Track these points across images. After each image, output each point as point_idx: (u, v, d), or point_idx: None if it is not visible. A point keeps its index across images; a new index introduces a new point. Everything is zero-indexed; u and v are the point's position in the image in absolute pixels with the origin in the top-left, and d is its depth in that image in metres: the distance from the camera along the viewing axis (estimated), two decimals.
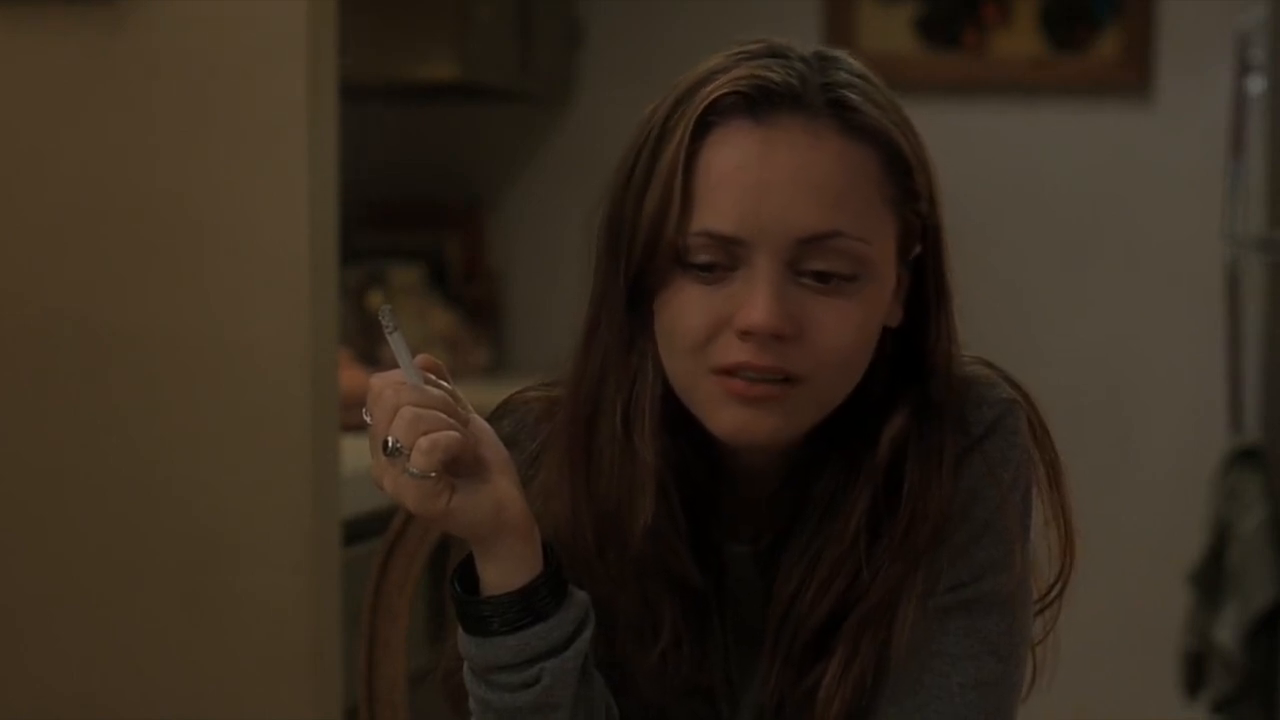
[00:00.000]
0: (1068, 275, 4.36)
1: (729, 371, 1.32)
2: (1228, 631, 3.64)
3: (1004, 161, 4.35)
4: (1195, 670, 3.84)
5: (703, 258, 1.32)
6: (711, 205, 1.32)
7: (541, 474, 1.40)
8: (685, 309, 1.33)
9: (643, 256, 1.34)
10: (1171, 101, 4.31)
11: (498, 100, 4.40)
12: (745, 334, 1.31)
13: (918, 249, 1.38)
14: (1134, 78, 4.31)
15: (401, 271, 4.12)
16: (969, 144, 4.31)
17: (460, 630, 1.33)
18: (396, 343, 1.29)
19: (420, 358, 1.30)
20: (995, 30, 4.34)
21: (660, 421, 1.37)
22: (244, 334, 2.35)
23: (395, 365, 1.30)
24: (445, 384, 1.31)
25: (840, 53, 1.38)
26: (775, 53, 1.36)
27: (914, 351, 1.39)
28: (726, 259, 1.32)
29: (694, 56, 1.41)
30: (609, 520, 1.38)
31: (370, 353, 3.64)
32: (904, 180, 1.35)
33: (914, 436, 1.37)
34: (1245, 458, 3.74)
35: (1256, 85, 3.79)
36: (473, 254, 4.43)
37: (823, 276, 1.32)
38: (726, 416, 1.34)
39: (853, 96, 1.34)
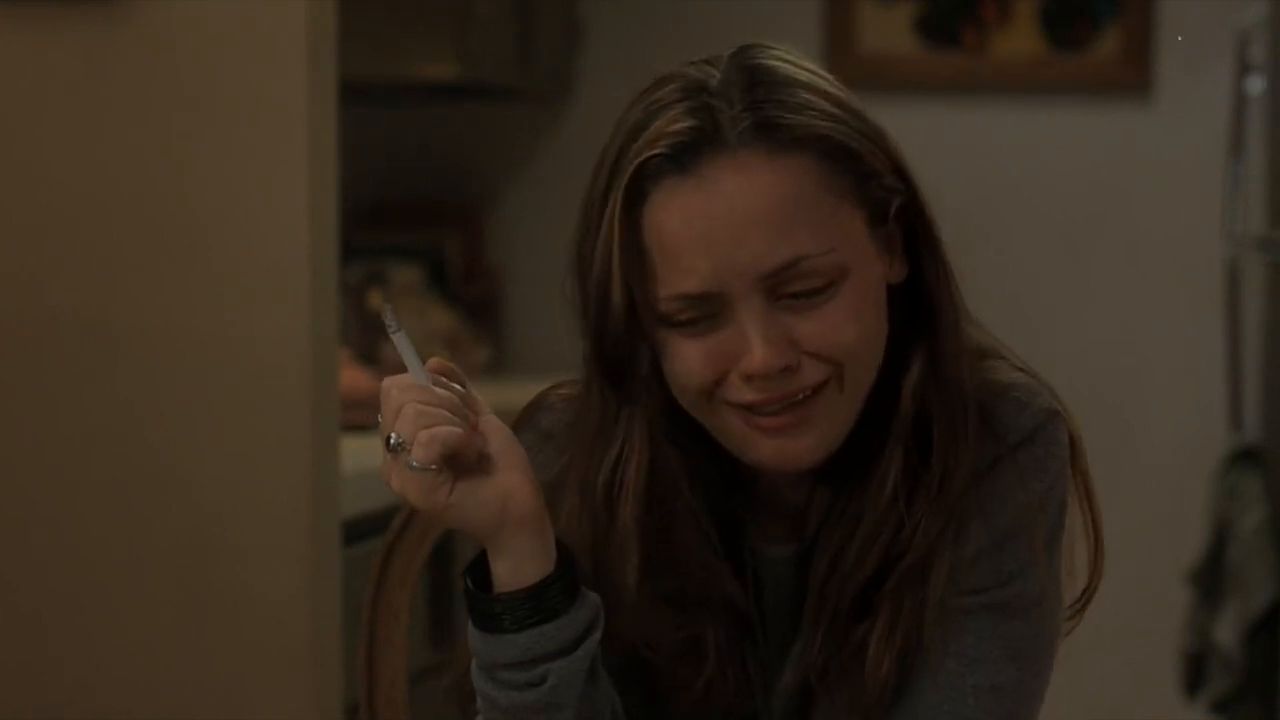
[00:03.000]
0: (1067, 275, 4.36)
1: (747, 408, 1.33)
2: (1227, 631, 3.64)
3: (1004, 161, 4.35)
4: (1195, 670, 3.84)
5: (683, 317, 1.33)
6: (673, 268, 1.32)
7: (566, 505, 1.40)
8: (685, 364, 1.34)
9: (619, 326, 1.34)
10: (1171, 101, 4.31)
11: (498, 99, 4.40)
12: (750, 378, 1.32)
13: (898, 202, 1.36)
14: (1134, 78, 4.31)
15: (401, 271, 4.11)
16: (969, 144, 4.30)
17: (469, 625, 1.33)
18: (401, 342, 1.30)
19: (432, 361, 1.31)
20: (995, 30, 4.34)
21: (644, 490, 1.37)
22: (244, 333, 2.35)
23: (399, 364, 1.31)
24: (458, 385, 1.31)
25: (757, 53, 1.36)
26: (690, 90, 1.34)
27: (919, 299, 1.39)
28: (707, 309, 1.32)
29: (694, 55, 1.40)
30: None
31: (370, 353, 3.64)
32: (852, 166, 1.34)
33: (931, 384, 1.37)
34: (1245, 458, 3.74)
35: (1256, 85, 3.79)
36: (473, 253, 4.43)
37: (803, 294, 1.32)
38: (758, 450, 1.35)
39: (772, 113, 1.32)
